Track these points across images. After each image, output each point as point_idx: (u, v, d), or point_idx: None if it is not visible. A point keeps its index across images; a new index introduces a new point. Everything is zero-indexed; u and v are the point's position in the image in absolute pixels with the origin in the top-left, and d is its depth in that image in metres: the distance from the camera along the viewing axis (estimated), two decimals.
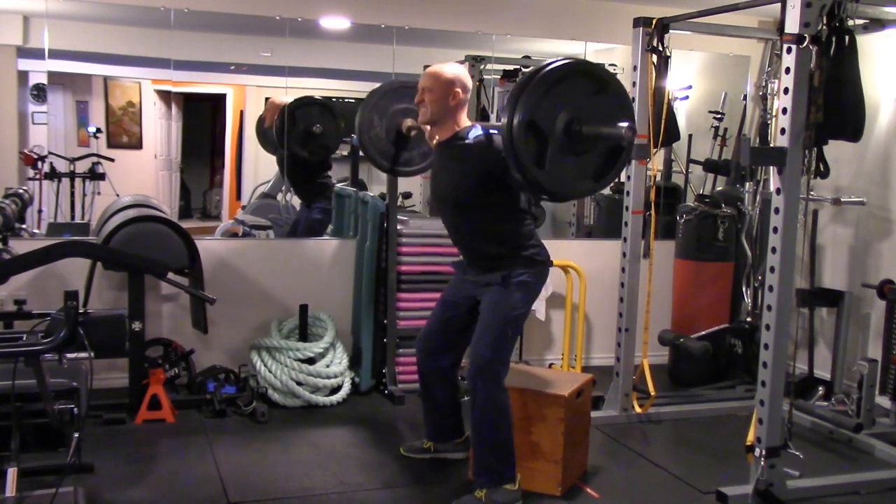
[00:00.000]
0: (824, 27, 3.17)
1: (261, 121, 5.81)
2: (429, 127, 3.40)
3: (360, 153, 5.04)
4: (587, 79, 2.90)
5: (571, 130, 2.81)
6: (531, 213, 3.31)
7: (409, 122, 3.74)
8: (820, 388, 4.54)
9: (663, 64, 4.03)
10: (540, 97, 2.79)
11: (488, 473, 3.17)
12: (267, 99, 5.91)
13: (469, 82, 3.29)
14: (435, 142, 3.39)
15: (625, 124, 2.78)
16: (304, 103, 5.46)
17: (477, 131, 3.20)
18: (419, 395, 3.71)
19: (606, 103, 2.88)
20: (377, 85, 4.07)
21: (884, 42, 4.58)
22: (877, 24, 3.88)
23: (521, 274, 3.19)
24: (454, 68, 3.29)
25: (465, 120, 3.29)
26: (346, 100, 6.34)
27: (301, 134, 5.35)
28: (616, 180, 3.81)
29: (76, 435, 2.56)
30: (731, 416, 4.42)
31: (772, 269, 3.24)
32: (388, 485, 3.45)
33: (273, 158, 5.73)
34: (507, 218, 3.22)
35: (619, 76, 5.50)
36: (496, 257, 3.22)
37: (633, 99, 4.08)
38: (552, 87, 2.81)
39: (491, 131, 3.17)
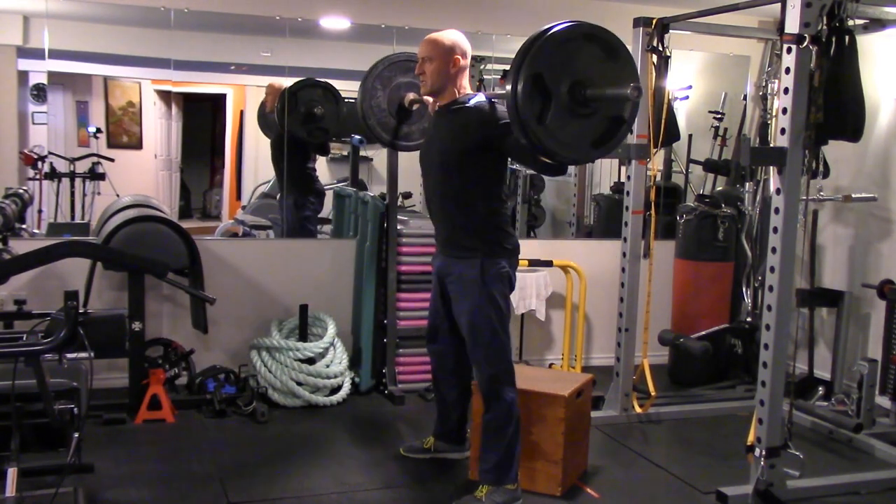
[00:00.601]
0: (824, 27, 3.17)
1: (262, 105, 5.78)
2: (431, 99, 3.36)
3: (359, 150, 5.09)
4: (596, 44, 2.83)
5: (576, 92, 2.75)
6: (511, 196, 3.27)
7: (411, 95, 3.72)
8: (820, 388, 4.54)
9: (663, 64, 4.03)
10: (548, 54, 2.73)
11: (493, 473, 3.17)
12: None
13: (468, 47, 3.25)
14: (434, 99, 3.33)
15: (630, 85, 2.70)
16: (307, 85, 5.40)
17: (480, 98, 3.18)
18: (432, 391, 3.70)
19: (614, 70, 2.81)
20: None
21: (884, 42, 4.58)
22: (877, 24, 3.88)
23: (494, 266, 3.13)
24: (452, 35, 3.25)
25: (466, 87, 3.25)
26: (347, 100, 6.35)
27: (302, 115, 5.29)
28: (617, 178, 3.79)
29: (76, 435, 2.56)
30: (731, 416, 4.42)
31: (772, 269, 3.24)
32: (388, 485, 3.45)
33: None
34: (489, 195, 3.16)
35: None
36: (472, 235, 3.16)
37: None
38: (561, 45, 2.76)
39: (494, 100, 3.14)
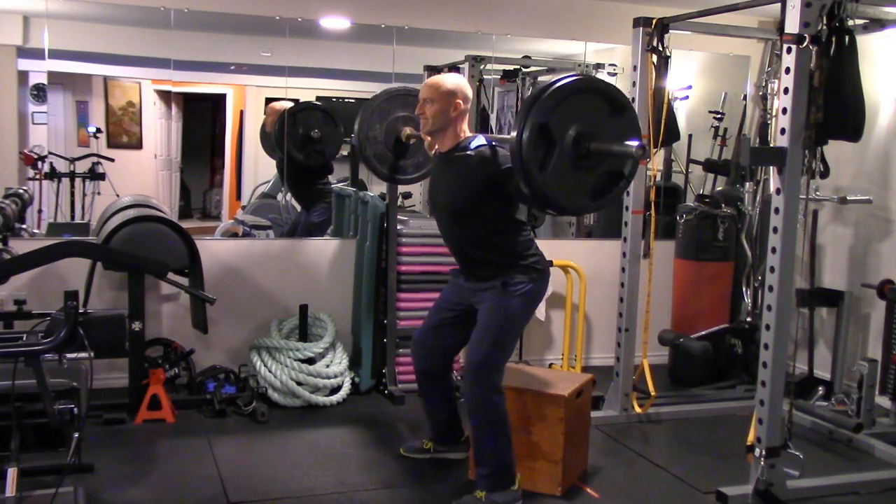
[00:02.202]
0: (824, 27, 3.17)
1: (262, 126, 5.81)
2: (429, 137, 3.40)
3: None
4: (603, 99, 2.89)
5: (580, 145, 2.80)
6: (530, 224, 3.30)
7: (408, 130, 3.73)
8: (820, 388, 4.54)
9: (663, 64, 4.03)
10: (555, 105, 2.78)
11: (489, 476, 3.17)
12: (267, 103, 5.92)
13: (469, 92, 3.29)
14: (434, 151, 3.39)
15: (635, 143, 2.76)
16: (305, 108, 5.45)
17: (480, 141, 3.20)
18: (419, 395, 3.71)
19: (618, 126, 2.87)
20: (377, 85, 4.04)
21: (884, 42, 4.58)
22: (877, 24, 3.87)
23: (520, 282, 3.17)
24: (455, 79, 3.29)
25: (466, 130, 3.28)
26: (347, 100, 6.35)
27: (301, 138, 5.34)
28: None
29: (76, 435, 2.56)
30: (731, 416, 4.42)
31: (772, 269, 3.24)
32: (388, 485, 3.45)
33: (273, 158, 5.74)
34: (504, 229, 3.21)
35: (619, 76, 5.59)
36: (492, 266, 3.21)
37: (633, 99, 4.09)
38: (568, 97, 2.80)
39: (494, 143, 3.18)
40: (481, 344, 3.16)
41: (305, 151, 5.36)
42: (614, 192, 2.96)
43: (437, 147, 3.35)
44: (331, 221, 5.26)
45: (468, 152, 3.17)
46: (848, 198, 4.60)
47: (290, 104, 5.48)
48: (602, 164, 2.87)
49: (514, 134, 2.80)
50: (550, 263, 3.38)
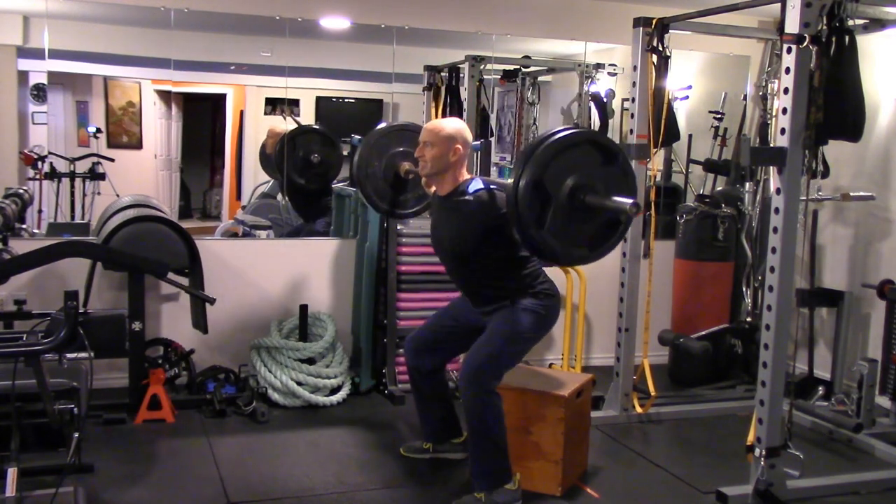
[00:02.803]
0: (824, 27, 3.17)
1: (262, 148, 5.82)
2: (436, 190, 3.41)
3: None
4: (597, 149, 2.94)
5: (576, 197, 2.86)
6: (532, 260, 3.32)
7: (407, 165, 3.73)
8: (820, 388, 4.54)
9: (663, 64, 4.03)
10: (549, 160, 2.84)
11: (484, 476, 3.18)
12: (267, 103, 5.96)
13: (469, 137, 3.32)
14: (433, 190, 3.42)
15: (629, 201, 2.82)
16: (304, 132, 5.49)
17: (477, 185, 3.24)
18: (412, 391, 3.71)
19: (612, 175, 2.93)
20: (377, 85, 4.03)
21: (884, 42, 4.58)
22: (877, 24, 3.87)
23: (531, 304, 3.22)
24: (455, 123, 3.33)
25: (464, 173, 3.31)
26: (347, 100, 6.35)
27: (301, 162, 5.37)
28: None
29: (76, 435, 2.56)
30: (731, 416, 4.42)
31: (772, 269, 3.24)
32: (388, 485, 3.45)
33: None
34: (509, 266, 3.23)
35: (618, 76, 5.59)
36: (500, 297, 3.26)
37: (634, 99, 4.09)
38: (562, 152, 2.86)
39: (492, 186, 3.22)
40: (483, 350, 3.18)
41: (307, 176, 5.40)
42: (612, 240, 3.02)
43: (435, 189, 3.39)
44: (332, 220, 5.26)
45: (467, 197, 3.21)
46: (851, 194, 4.59)
47: (293, 125, 5.51)
48: (597, 215, 2.92)
49: (510, 193, 2.87)
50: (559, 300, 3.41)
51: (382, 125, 3.93)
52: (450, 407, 3.63)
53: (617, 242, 3.06)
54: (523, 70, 5.76)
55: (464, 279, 3.40)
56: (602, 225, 2.96)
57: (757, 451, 3.30)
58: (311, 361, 4.38)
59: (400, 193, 3.86)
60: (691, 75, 5.93)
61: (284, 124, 5.63)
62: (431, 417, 3.64)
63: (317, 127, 5.68)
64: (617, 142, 5.39)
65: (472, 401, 3.13)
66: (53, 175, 5.09)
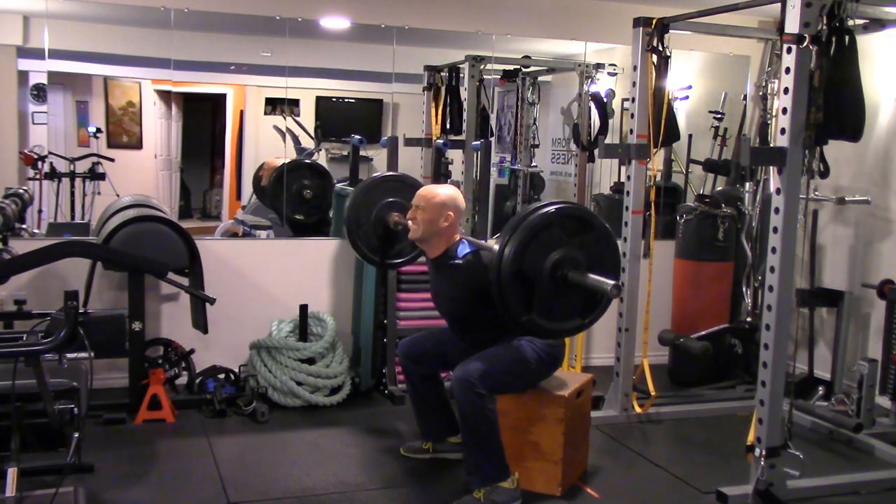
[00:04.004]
0: (824, 27, 3.17)
1: (257, 179, 5.82)
2: (427, 252, 3.44)
3: (359, 150, 5.10)
4: (572, 221, 3.00)
5: (557, 276, 2.91)
6: None
7: (395, 216, 3.74)
8: (820, 388, 4.54)
9: (663, 64, 4.03)
10: (526, 243, 2.89)
11: (477, 473, 3.18)
12: (267, 103, 5.99)
13: (462, 205, 3.37)
14: (422, 246, 3.44)
15: (610, 282, 2.86)
16: (293, 167, 5.49)
17: (465, 248, 3.29)
18: (409, 396, 3.72)
19: (591, 243, 2.99)
20: (377, 85, 4.02)
21: (884, 42, 4.58)
22: (877, 24, 3.87)
23: (529, 342, 3.27)
24: (448, 190, 3.37)
25: (455, 237, 3.35)
26: (347, 100, 6.36)
27: (294, 196, 5.38)
28: (617, 180, 3.76)
29: (76, 435, 2.56)
30: (731, 416, 4.42)
31: (772, 269, 3.24)
32: (388, 485, 3.45)
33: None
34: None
35: (618, 76, 5.59)
36: (501, 340, 3.30)
37: (634, 99, 4.09)
38: (538, 233, 2.91)
39: (479, 249, 3.28)
40: (480, 360, 3.19)
41: (303, 210, 5.42)
42: (602, 305, 3.07)
43: (425, 249, 3.43)
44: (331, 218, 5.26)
45: (457, 261, 3.27)
46: (846, 198, 4.60)
47: (284, 161, 5.52)
48: (582, 286, 2.96)
49: (495, 248, 2.94)
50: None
51: (373, 175, 3.99)
52: (446, 405, 3.64)
53: (607, 307, 3.11)
54: (523, 70, 5.77)
55: (464, 334, 3.45)
56: (590, 293, 3.00)
57: (757, 451, 3.30)
58: (311, 361, 4.38)
59: (389, 245, 3.88)
60: (691, 75, 5.93)
61: (284, 126, 5.63)
62: (428, 416, 3.65)
63: (307, 161, 5.68)
64: (617, 142, 5.41)
65: (464, 403, 3.13)
66: (53, 175, 5.10)
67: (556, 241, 2.94)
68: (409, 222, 3.38)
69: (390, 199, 3.80)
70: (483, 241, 3.47)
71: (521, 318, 2.93)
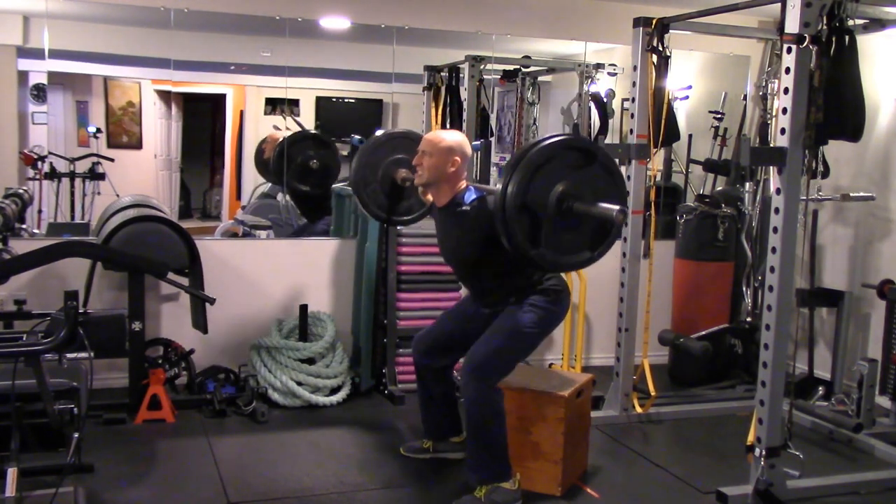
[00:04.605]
0: (824, 27, 3.17)
1: (259, 152, 5.82)
2: (434, 200, 3.43)
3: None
4: (575, 153, 2.97)
5: (563, 207, 2.89)
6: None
7: (403, 172, 3.73)
8: (820, 388, 4.54)
9: (663, 64, 4.03)
10: (529, 178, 2.87)
11: (480, 469, 3.18)
12: (268, 103, 5.96)
13: (468, 150, 3.34)
14: (429, 198, 3.45)
15: (616, 207, 2.84)
16: (299, 139, 5.48)
17: (471, 195, 3.27)
18: (418, 390, 3.71)
19: (596, 176, 2.96)
20: (377, 85, 4.01)
21: (884, 42, 4.58)
22: (877, 24, 3.87)
23: (538, 300, 3.23)
24: (455, 136, 3.34)
25: (462, 184, 3.33)
26: (346, 100, 6.35)
27: (299, 167, 5.37)
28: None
29: (76, 435, 2.55)
30: (731, 416, 4.42)
31: (772, 269, 3.24)
32: (388, 485, 3.45)
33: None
34: (515, 266, 3.23)
35: (619, 76, 5.59)
36: (509, 295, 3.28)
37: (634, 99, 4.09)
38: (542, 166, 2.88)
39: (485, 194, 3.26)
40: (485, 346, 3.18)
41: (307, 182, 5.41)
42: (611, 236, 3.04)
43: (431, 198, 3.43)
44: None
45: (465, 208, 3.25)
46: (851, 194, 4.60)
47: (289, 133, 5.52)
48: (589, 217, 2.94)
49: (497, 222, 2.90)
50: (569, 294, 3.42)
51: (378, 133, 3.93)
52: (453, 404, 3.64)
53: (617, 236, 3.07)
54: (523, 70, 5.76)
55: (472, 282, 3.44)
56: (597, 225, 2.97)
57: (757, 451, 3.30)
58: (311, 361, 4.38)
59: (397, 201, 3.86)
60: (691, 75, 5.93)
61: (284, 125, 5.63)
62: (434, 414, 3.64)
63: (312, 132, 5.68)
64: (617, 142, 5.41)
65: (473, 396, 3.14)
66: (53, 175, 5.09)
67: (560, 174, 2.90)
68: (416, 168, 3.35)
69: (397, 156, 3.79)
70: (489, 186, 3.44)
71: (530, 253, 2.89)
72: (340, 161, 5.50)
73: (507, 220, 2.86)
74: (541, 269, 3.17)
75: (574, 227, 2.95)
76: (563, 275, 3.42)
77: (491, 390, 3.15)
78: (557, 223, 2.90)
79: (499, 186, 3.01)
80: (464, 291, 3.62)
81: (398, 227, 4.58)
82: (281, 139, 5.51)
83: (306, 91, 6.04)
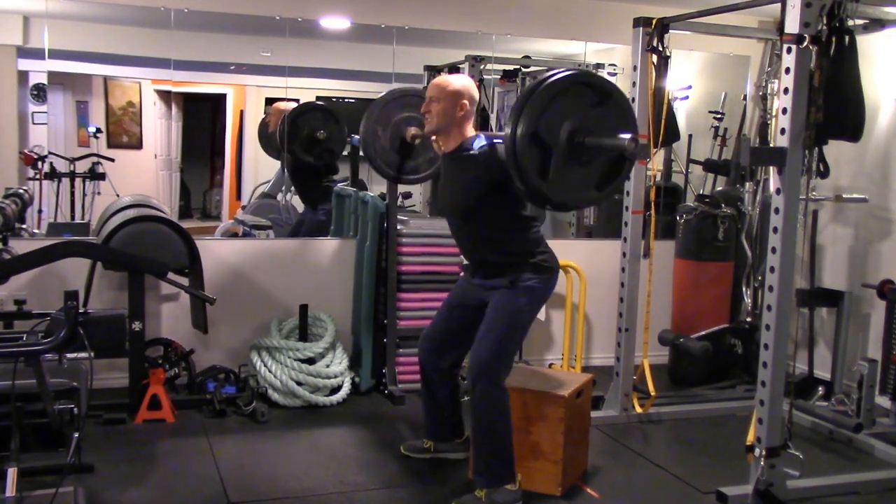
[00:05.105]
0: (824, 27, 3.17)
1: (264, 125, 5.80)
2: (433, 136, 3.40)
3: (361, 154, 5.09)
4: (589, 90, 2.92)
5: (574, 142, 2.84)
6: (538, 219, 3.31)
7: (412, 130, 3.73)
8: (820, 388, 4.54)
9: (663, 64, 4.03)
10: (542, 108, 2.82)
11: (487, 472, 3.17)
12: (268, 103, 5.92)
13: (476, 94, 3.31)
14: (438, 140, 3.39)
15: (627, 136, 2.80)
16: (307, 109, 5.44)
17: (481, 141, 3.22)
18: (420, 395, 3.71)
19: (609, 114, 2.90)
20: (377, 85, 4.01)
21: (884, 42, 4.58)
22: (877, 24, 3.87)
23: (529, 279, 3.19)
24: (462, 80, 3.31)
25: (470, 130, 3.29)
26: (347, 100, 6.35)
27: (305, 139, 5.34)
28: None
29: (76, 435, 2.55)
30: (731, 416, 4.42)
31: (772, 269, 3.24)
32: (388, 485, 3.45)
33: (274, 159, 5.73)
34: (514, 226, 3.23)
35: (619, 76, 5.59)
36: (503, 264, 3.24)
37: (633, 99, 4.09)
38: (554, 98, 2.84)
39: (495, 141, 3.19)
40: (488, 340, 3.17)
41: (313, 153, 5.36)
42: (619, 178, 3.00)
43: (441, 144, 3.36)
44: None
45: (472, 152, 3.20)
46: (844, 196, 4.60)
47: (294, 104, 5.46)
48: (600, 154, 2.90)
49: (506, 147, 2.83)
50: (559, 269, 3.39)
51: (387, 94, 3.91)
52: (457, 406, 3.63)
53: (624, 179, 3.05)
54: (523, 70, 5.76)
55: (469, 240, 3.37)
56: (606, 164, 2.94)
57: (757, 451, 3.30)
58: (311, 361, 4.38)
59: (406, 159, 3.84)
60: (691, 75, 5.93)
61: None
62: (438, 416, 3.63)
63: (320, 103, 5.63)
64: None
65: (481, 396, 3.14)
66: (53, 175, 5.09)
67: (575, 108, 2.86)
68: (425, 116, 3.31)
69: (407, 114, 3.78)
70: (501, 132, 3.41)
71: (538, 186, 2.84)
72: (346, 134, 5.43)
73: (517, 149, 2.79)
74: (545, 207, 3.08)
75: (584, 164, 2.89)
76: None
77: (500, 389, 3.15)
78: (567, 158, 2.84)
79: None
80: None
81: (398, 227, 4.59)
82: (289, 110, 5.42)
83: (306, 91, 6.03)
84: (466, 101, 3.24)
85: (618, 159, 2.94)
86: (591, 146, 2.84)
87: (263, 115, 5.80)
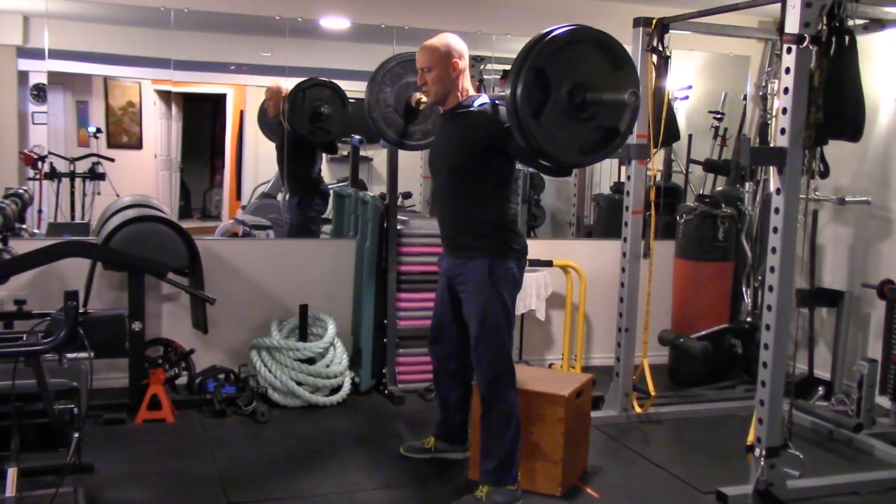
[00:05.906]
0: (824, 27, 3.17)
1: (262, 111, 5.76)
2: (440, 108, 3.34)
3: (359, 150, 5.07)
4: (603, 52, 2.88)
5: (576, 94, 2.80)
6: (518, 195, 3.25)
7: (419, 94, 3.70)
8: (820, 388, 4.54)
9: (663, 64, 4.03)
10: (555, 51, 2.79)
11: (493, 475, 3.18)
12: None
13: (464, 47, 3.25)
14: (441, 108, 3.34)
15: (627, 90, 2.75)
16: (314, 84, 5.36)
17: (483, 100, 3.18)
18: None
19: (617, 79, 2.85)
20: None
21: (884, 42, 4.57)
22: (877, 24, 3.88)
23: (506, 270, 3.15)
24: (446, 38, 3.24)
25: (469, 88, 3.25)
26: (349, 100, 6.34)
27: (309, 115, 5.25)
28: (616, 179, 3.73)
29: (76, 435, 2.56)
30: (731, 416, 4.42)
31: (772, 269, 3.24)
32: (388, 485, 3.45)
33: (273, 158, 5.71)
34: (498, 195, 3.17)
35: None
36: (479, 238, 3.16)
37: None
38: (567, 46, 2.82)
39: (497, 101, 3.15)
40: (482, 352, 3.17)
41: (312, 128, 5.25)
42: (608, 148, 2.95)
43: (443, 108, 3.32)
44: (322, 215, 5.21)
45: (470, 109, 3.16)
46: (847, 199, 4.60)
47: (291, 84, 5.41)
48: (597, 116, 2.87)
49: (510, 79, 2.78)
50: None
51: (391, 59, 3.89)
52: (465, 413, 3.60)
53: (610, 153, 3.00)
54: None
55: (451, 205, 3.28)
56: (599, 131, 2.90)
57: (757, 451, 3.30)
58: (311, 361, 4.38)
59: (410, 124, 3.81)
60: (691, 75, 5.93)
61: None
62: (448, 417, 3.62)
63: (325, 79, 5.57)
64: None
65: (490, 393, 3.15)
66: (53, 175, 5.09)
67: (585, 66, 2.82)
68: (423, 88, 3.28)
69: (416, 79, 3.78)
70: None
71: (527, 122, 2.76)
72: (349, 116, 5.36)
73: (522, 77, 2.73)
74: (527, 153, 2.97)
75: (577, 122, 2.85)
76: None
77: (510, 391, 3.16)
78: (564, 108, 2.80)
79: None
80: None
81: (398, 227, 4.59)
82: (289, 90, 5.33)
83: None
84: (457, 59, 3.19)
85: (611, 130, 2.90)
86: (591, 101, 2.80)
87: (262, 102, 5.71)
